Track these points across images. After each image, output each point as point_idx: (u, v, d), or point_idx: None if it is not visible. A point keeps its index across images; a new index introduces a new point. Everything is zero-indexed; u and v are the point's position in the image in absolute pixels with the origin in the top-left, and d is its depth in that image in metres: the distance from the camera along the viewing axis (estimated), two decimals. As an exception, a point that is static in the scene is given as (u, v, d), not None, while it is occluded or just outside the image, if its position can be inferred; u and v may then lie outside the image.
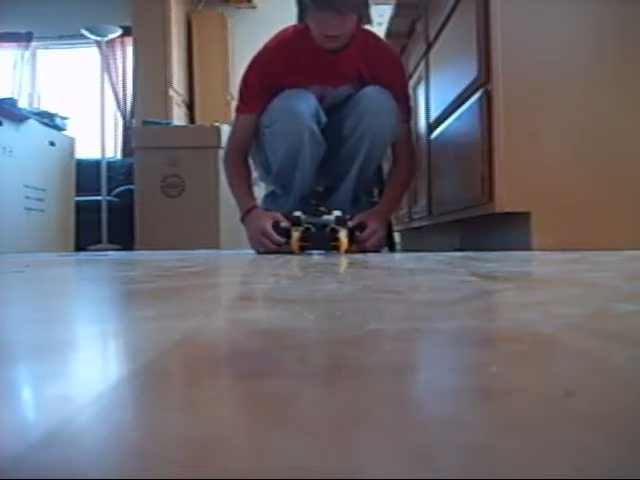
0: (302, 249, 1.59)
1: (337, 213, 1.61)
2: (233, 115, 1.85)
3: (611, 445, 0.12)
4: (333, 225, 1.59)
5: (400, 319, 0.30)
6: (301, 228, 1.60)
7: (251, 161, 1.85)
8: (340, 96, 1.72)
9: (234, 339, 0.25)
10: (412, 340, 0.24)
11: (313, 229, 1.59)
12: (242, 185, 1.77)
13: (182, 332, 0.26)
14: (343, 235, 1.58)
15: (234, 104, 1.79)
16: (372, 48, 1.71)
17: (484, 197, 1.48)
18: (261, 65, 1.70)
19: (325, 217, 1.62)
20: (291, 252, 1.58)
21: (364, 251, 1.64)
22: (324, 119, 1.67)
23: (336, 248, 1.56)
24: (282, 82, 1.67)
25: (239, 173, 1.78)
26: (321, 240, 1.58)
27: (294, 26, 1.71)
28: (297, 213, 1.63)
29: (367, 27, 1.73)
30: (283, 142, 1.65)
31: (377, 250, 1.69)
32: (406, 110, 1.78)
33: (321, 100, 1.69)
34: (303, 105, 1.61)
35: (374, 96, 1.64)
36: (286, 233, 1.61)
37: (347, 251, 1.58)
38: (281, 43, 1.70)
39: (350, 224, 1.61)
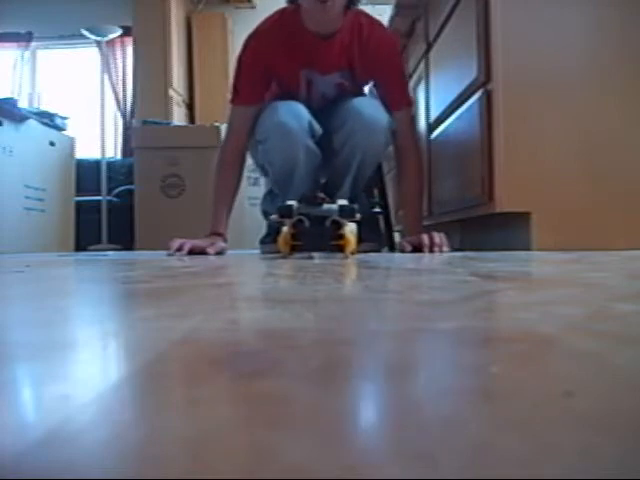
0: (293, 250, 1.20)
1: (342, 202, 1.23)
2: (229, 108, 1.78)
3: (611, 445, 0.12)
4: (336, 217, 1.19)
5: (400, 319, 0.30)
6: (292, 221, 1.20)
7: (251, 160, 1.83)
8: (329, 84, 1.67)
9: (234, 339, 0.25)
10: (412, 340, 0.24)
11: (308, 223, 1.21)
12: (220, 202, 1.68)
13: (182, 332, 0.26)
14: (349, 231, 1.18)
15: (229, 96, 1.72)
16: (365, 32, 1.63)
17: (484, 197, 1.48)
18: (253, 48, 1.65)
19: (326, 206, 1.23)
20: (278, 252, 1.23)
21: (364, 251, 1.57)
22: (319, 131, 1.62)
23: (340, 248, 1.17)
24: (274, 66, 1.63)
25: (225, 182, 1.69)
26: (319, 237, 1.19)
27: (284, 9, 1.65)
28: (290, 202, 1.24)
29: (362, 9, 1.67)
30: (278, 159, 1.60)
31: (377, 250, 1.68)
32: (404, 99, 1.67)
33: (309, 85, 1.66)
34: (295, 122, 1.56)
35: (364, 110, 1.58)
36: (275, 229, 1.33)
37: (354, 252, 1.21)
38: (272, 26, 1.65)
39: (358, 216, 1.22)
